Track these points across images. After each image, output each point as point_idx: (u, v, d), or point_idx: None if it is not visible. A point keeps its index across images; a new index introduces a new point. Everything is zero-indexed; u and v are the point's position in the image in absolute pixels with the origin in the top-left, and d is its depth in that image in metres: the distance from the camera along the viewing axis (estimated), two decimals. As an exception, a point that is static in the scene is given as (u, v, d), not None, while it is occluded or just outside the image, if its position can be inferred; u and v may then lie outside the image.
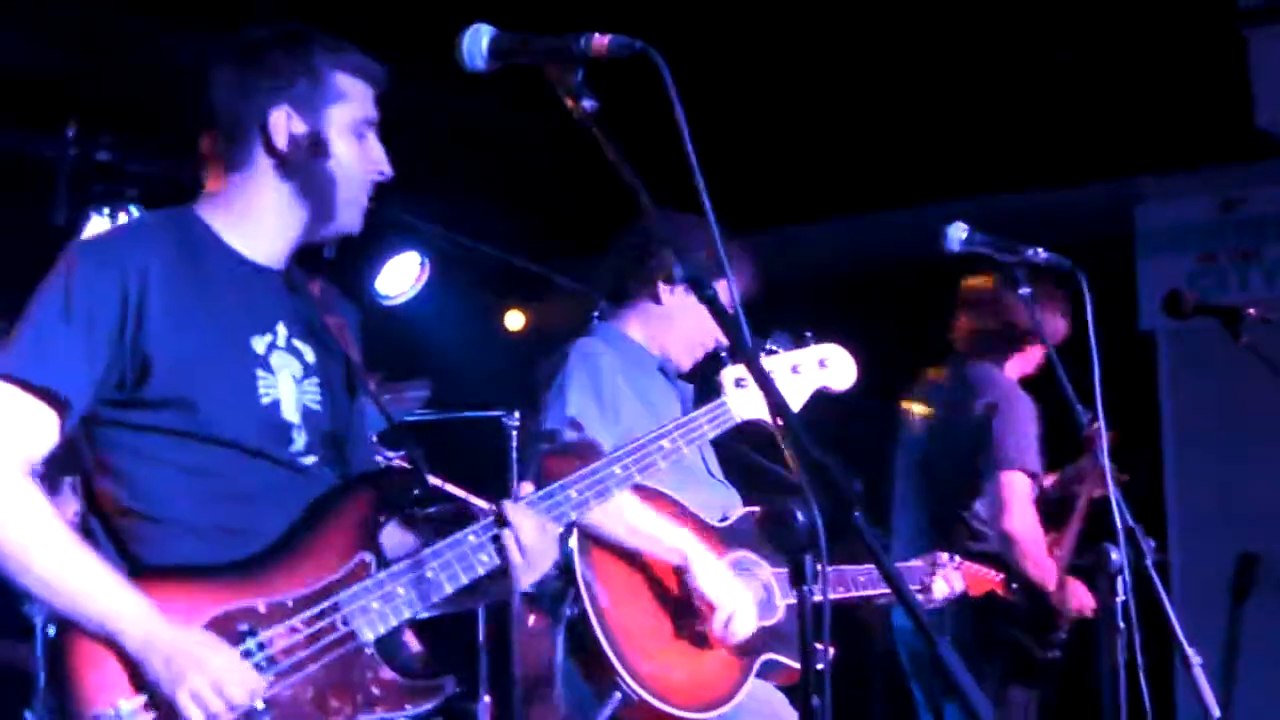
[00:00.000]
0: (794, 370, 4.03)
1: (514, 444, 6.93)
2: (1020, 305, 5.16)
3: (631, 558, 4.48)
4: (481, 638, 6.87)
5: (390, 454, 6.90)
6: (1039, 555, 5.99)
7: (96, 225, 6.97)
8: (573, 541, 4.37)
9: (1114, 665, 4.17)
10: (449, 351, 8.94)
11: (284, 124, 3.42)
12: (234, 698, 3.10)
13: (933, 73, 7.99)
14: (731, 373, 3.85)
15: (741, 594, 4.48)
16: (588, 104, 2.87)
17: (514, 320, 10.52)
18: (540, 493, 3.44)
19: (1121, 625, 4.17)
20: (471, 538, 3.39)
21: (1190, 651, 4.18)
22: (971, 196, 8.11)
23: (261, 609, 3.20)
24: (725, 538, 4.66)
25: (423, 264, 8.54)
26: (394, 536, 3.48)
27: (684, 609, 4.47)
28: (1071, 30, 7.67)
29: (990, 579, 5.41)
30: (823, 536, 2.65)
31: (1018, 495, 6.00)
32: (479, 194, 9.00)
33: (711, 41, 7.34)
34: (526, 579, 3.40)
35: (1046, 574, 6.00)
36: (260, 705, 3.12)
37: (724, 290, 3.67)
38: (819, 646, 2.77)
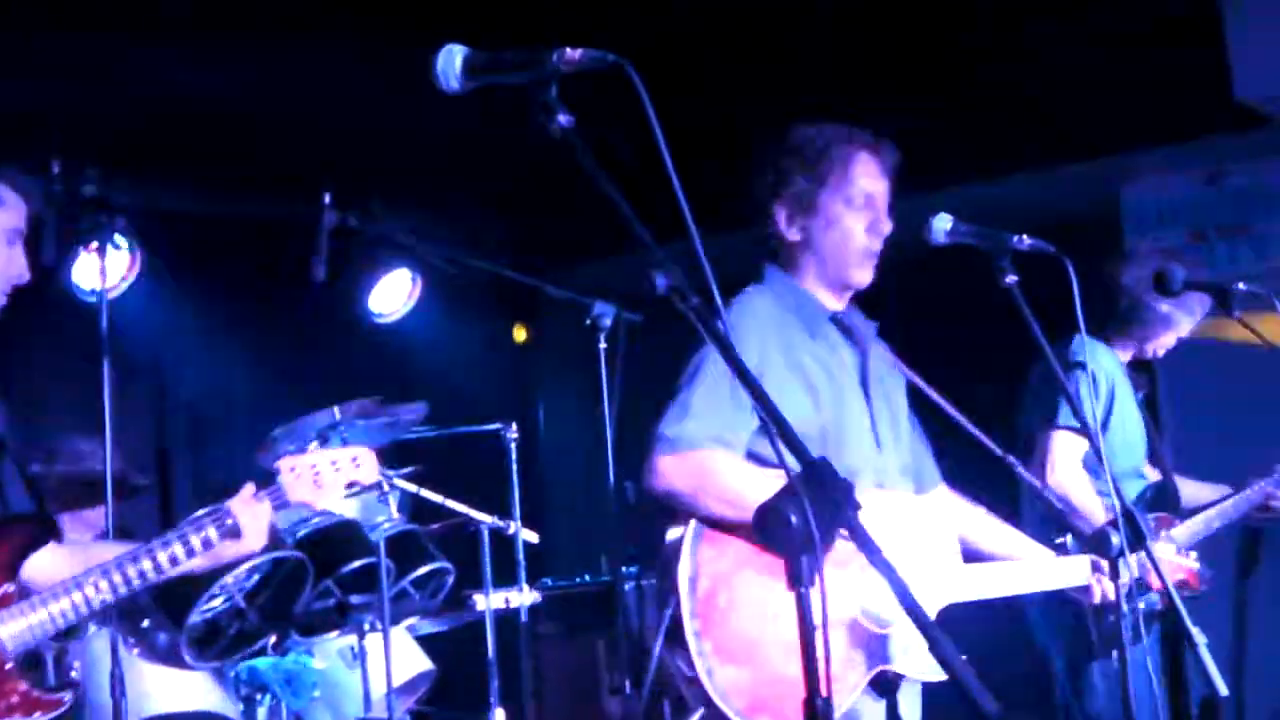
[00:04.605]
0: (334, 465, 4.54)
1: (513, 457, 6.96)
2: None
3: (741, 557, 4.13)
4: (491, 652, 6.88)
5: (391, 472, 6.96)
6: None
7: (85, 262, 7.00)
8: (686, 540, 4.15)
9: (1120, 648, 4.18)
10: (445, 367, 8.96)
11: None
12: None
13: (913, 64, 8.00)
14: (286, 464, 4.44)
15: (847, 597, 4.16)
16: (562, 119, 2.89)
17: (519, 334, 10.55)
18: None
19: (1126, 609, 4.17)
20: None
21: (1194, 631, 4.18)
22: (955, 186, 8.12)
23: None
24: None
25: (414, 281, 8.56)
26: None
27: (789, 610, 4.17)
28: (1047, 10, 7.68)
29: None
30: (817, 538, 2.66)
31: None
32: (467, 209, 9.02)
33: (685, 41, 7.37)
34: None
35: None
36: None
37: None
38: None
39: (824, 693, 2.59)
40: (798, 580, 2.65)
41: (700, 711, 4.17)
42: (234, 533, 4.29)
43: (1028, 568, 4.75)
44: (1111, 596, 4.78)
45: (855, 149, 4.44)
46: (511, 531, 6.92)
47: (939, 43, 7.90)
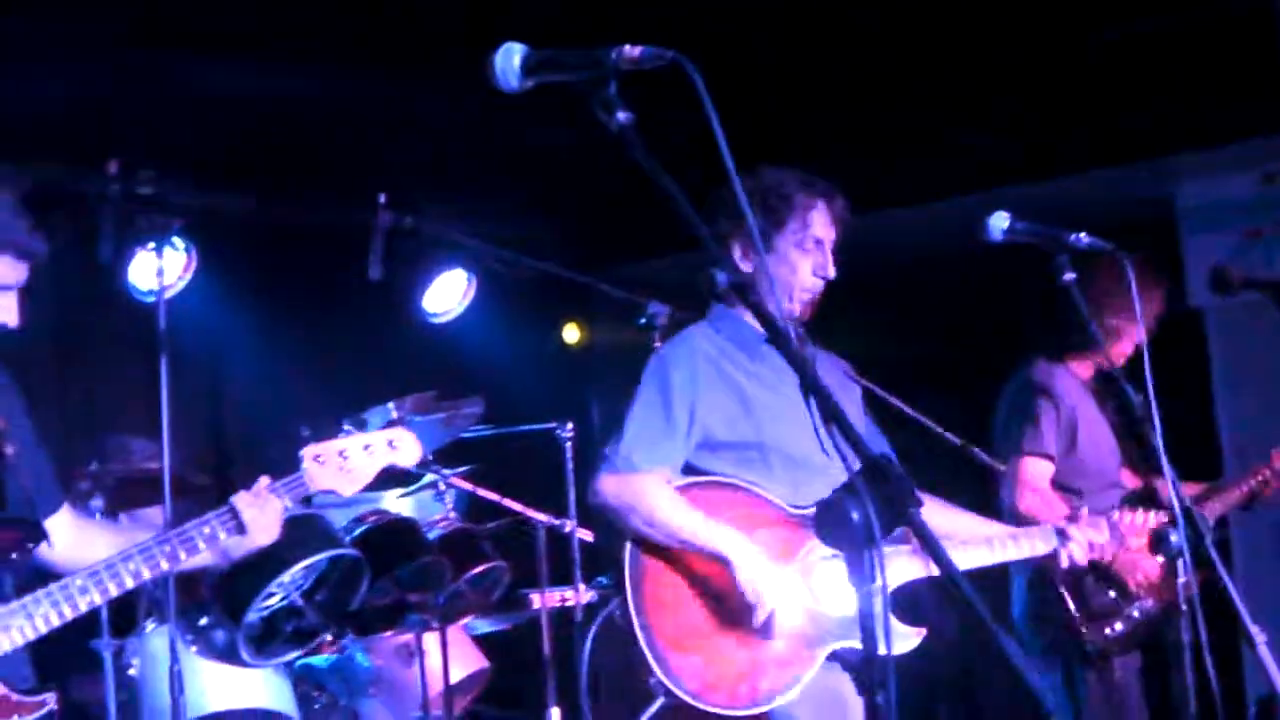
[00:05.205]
0: (366, 449, 4.44)
1: (568, 455, 6.98)
2: None
3: (681, 556, 4.50)
4: (547, 650, 6.90)
5: (447, 471, 6.99)
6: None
7: (142, 262, 7.04)
8: (628, 546, 4.51)
9: (1179, 645, 4.17)
10: (501, 366, 8.98)
11: None
12: None
13: (967, 62, 7.98)
14: (310, 451, 4.36)
15: (784, 589, 4.46)
16: (621, 116, 2.90)
17: (571, 334, 10.55)
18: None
19: (1185, 606, 4.17)
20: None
21: (1254, 629, 4.17)
22: (1012, 184, 8.10)
23: None
24: (808, 524, 4.56)
25: (469, 280, 8.58)
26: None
27: (735, 602, 4.45)
28: (1102, 11, 7.65)
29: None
30: (878, 532, 2.67)
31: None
32: (522, 207, 9.03)
33: (740, 39, 7.36)
34: None
35: None
36: None
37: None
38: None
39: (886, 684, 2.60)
40: (861, 577, 2.67)
41: (660, 700, 4.51)
42: (240, 529, 4.21)
43: (992, 541, 4.91)
44: (1081, 561, 4.96)
45: (814, 198, 4.78)
46: (567, 530, 6.94)
47: (994, 44, 7.88)
